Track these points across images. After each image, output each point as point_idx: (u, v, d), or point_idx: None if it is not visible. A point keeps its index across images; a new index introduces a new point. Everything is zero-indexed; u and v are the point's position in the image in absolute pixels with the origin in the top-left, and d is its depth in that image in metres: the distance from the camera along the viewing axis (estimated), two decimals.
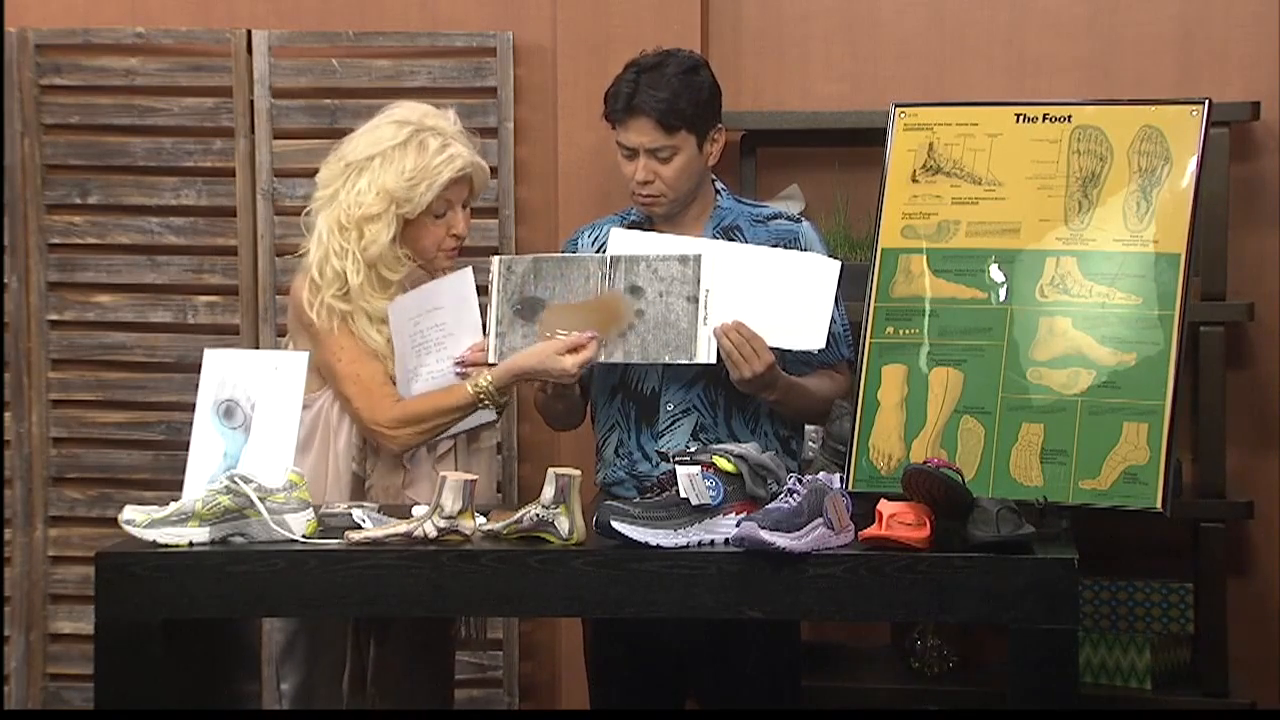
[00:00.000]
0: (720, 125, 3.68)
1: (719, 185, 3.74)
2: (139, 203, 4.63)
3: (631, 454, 3.67)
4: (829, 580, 3.04)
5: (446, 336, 3.55)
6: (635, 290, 3.50)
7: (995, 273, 3.38)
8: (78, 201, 4.63)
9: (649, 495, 3.17)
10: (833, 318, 3.59)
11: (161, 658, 3.12)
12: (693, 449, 3.32)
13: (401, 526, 3.14)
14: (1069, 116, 3.41)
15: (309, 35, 4.57)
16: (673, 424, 3.66)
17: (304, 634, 3.59)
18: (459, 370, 3.54)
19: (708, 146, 3.66)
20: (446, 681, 3.76)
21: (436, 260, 3.60)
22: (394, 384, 3.55)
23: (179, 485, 3.34)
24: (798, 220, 3.75)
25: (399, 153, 3.50)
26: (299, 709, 3.59)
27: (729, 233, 3.69)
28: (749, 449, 3.21)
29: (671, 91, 3.58)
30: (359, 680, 3.59)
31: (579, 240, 3.79)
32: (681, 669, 3.74)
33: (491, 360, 3.54)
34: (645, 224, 3.71)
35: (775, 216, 3.74)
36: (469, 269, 3.59)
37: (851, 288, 3.69)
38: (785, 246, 3.65)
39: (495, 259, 3.58)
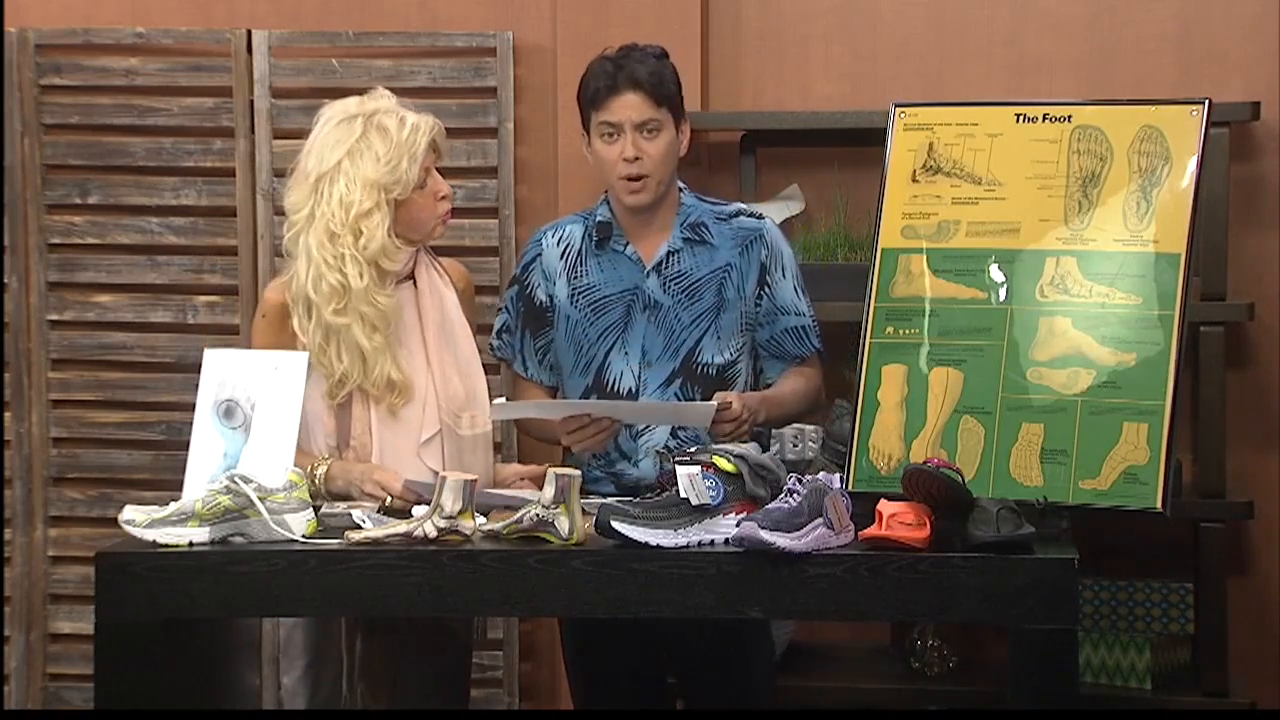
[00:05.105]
0: (687, 118, 3.73)
1: (681, 183, 3.78)
2: (139, 203, 4.63)
3: (609, 454, 3.69)
4: (829, 580, 3.04)
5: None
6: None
7: (995, 273, 3.38)
8: (78, 201, 4.63)
9: (649, 495, 3.17)
10: (800, 310, 3.73)
11: (161, 658, 3.12)
12: (686, 449, 3.32)
13: (401, 526, 3.14)
14: (1069, 116, 3.41)
15: (309, 35, 4.57)
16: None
17: (301, 627, 3.57)
18: None
19: (680, 135, 3.70)
20: (452, 679, 3.68)
21: (436, 230, 3.56)
22: None
23: (179, 485, 3.33)
24: (759, 218, 3.79)
25: (363, 144, 3.47)
26: (299, 705, 3.58)
27: (695, 229, 3.73)
28: (749, 449, 3.21)
29: (653, 69, 3.66)
30: (350, 675, 3.57)
31: (543, 242, 3.78)
32: (663, 667, 3.77)
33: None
34: (612, 224, 3.72)
35: (737, 214, 3.79)
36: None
37: (852, 288, 3.70)
38: (749, 244, 3.73)
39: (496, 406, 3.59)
